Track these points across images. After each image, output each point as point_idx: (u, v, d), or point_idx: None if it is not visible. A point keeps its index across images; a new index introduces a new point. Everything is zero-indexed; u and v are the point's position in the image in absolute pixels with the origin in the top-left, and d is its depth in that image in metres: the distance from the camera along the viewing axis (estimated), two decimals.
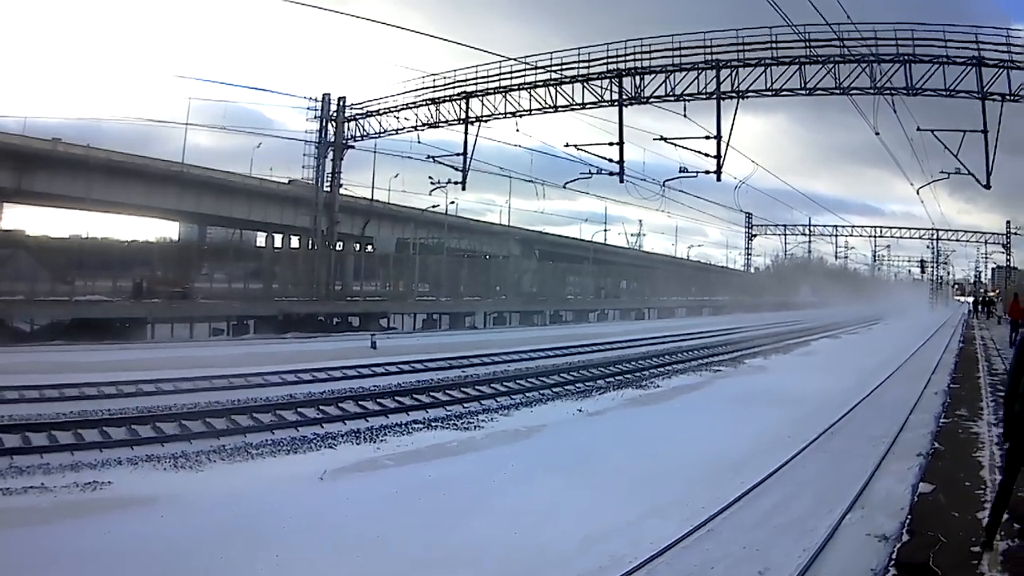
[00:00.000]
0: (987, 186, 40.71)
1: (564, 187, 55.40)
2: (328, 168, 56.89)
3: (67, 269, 43.46)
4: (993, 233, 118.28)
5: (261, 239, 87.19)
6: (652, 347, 47.44)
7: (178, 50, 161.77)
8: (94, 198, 63.75)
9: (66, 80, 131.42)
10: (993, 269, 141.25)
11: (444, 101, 51.26)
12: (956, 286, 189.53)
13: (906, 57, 40.42)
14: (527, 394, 27.85)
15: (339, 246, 65.22)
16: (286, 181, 71.23)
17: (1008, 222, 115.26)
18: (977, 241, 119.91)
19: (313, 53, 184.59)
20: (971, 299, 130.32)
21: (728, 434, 20.73)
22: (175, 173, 69.36)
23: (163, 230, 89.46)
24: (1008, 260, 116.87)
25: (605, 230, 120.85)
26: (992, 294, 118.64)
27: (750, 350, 47.77)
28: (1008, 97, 39.18)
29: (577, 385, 30.46)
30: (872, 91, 41.75)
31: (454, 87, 50.65)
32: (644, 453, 18.27)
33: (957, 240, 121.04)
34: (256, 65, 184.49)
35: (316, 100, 56.66)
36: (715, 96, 43.77)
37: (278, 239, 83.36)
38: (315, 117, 56.49)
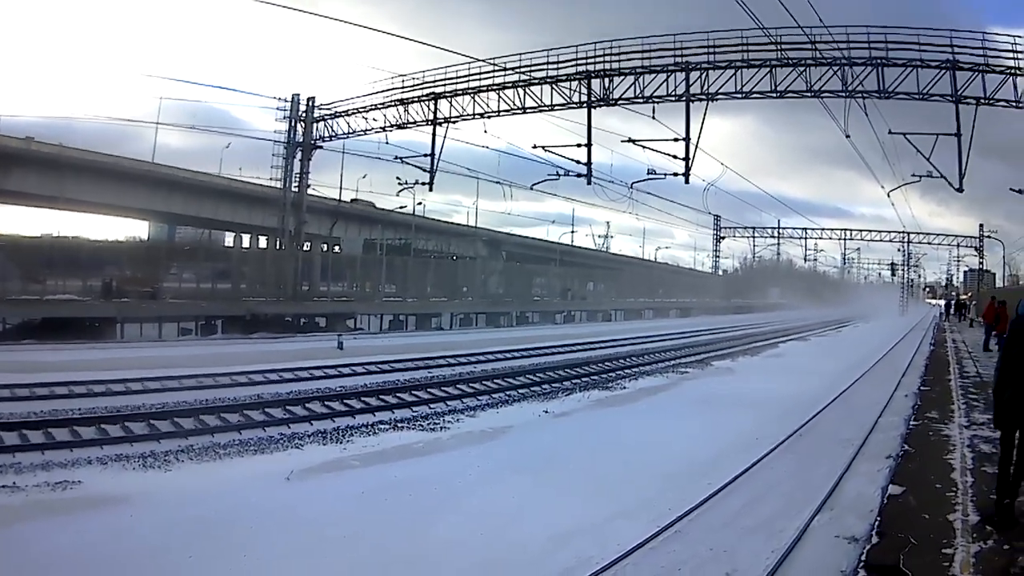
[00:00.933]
0: (960, 189, 40.83)
1: (531, 188, 55.96)
2: (296, 168, 57.05)
3: (38, 268, 43.48)
4: (965, 236, 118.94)
5: (230, 239, 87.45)
6: (618, 348, 47.67)
7: (149, 49, 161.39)
8: (67, 197, 63.38)
9: (39, 79, 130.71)
10: (965, 272, 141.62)
11: (412, 102, 51.32)
12: (927, 289, 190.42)
13: (879, 60, 40.57)
14: (493, 395, 27.90)
15: (306, 246, 65.59)
16: (254, 181, 71.17)
17: (981, 225, 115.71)
18: (949, 244, 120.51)
19: (282, 53, 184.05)
20: (943, 302, 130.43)
21: (695, 436, 20.83)
22: (146, 172, 69.18)
23: (133, 229, 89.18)
24: (981, 263, 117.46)
25: (572, 232, 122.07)
26: (964, 297, 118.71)
27: (717, 352, 47.97)
28: (983, 100, 39.35)
29: (543, 386, 30.52)
30: (844, 94, 41.93)
31: (423, 88, 50.76)
32: (610, 454, 18.42)
33: (928, 243, 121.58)
34: (225, 65, 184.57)
35: (285, 100, 56.69)
36: (684, 98, 43.91)
37: (246, 239, 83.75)
38: (284, 117, 56.52)
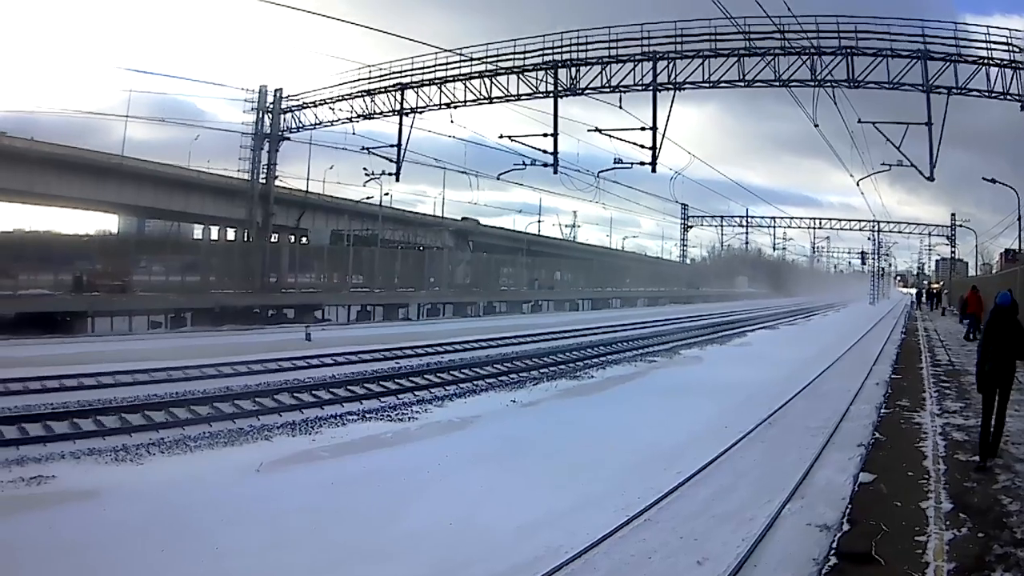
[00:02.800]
0: (931, 178, 40.97)
1: (498, 178, 55.94)
2: (264, 160, 57.11)
3: (10, 263, 43.53)
4: (936, 225, 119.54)
5: (199, 231, 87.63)
6: (586, 338, 47.63)
7: (113, 41, 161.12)
8: (37, 192, 63.87)
9: (4, 73, 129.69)
10: (937, 261, 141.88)
11: (379, 92, 51.52)
12: (899, 278, 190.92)
13: (849, 50, 40.71)
14: (460, 385, 27.81)
15: (274, 238, 65.46)
16: (222, 173, 71.12)
17: (953, 214, 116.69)
18: (920, 233, 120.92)
19: (248, 44, 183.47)
20: (914, 291, 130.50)
21: (663, 424, 20.85)
22: (115, 165, 69.02)
23: (103, 223, 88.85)
24: (953, 252, 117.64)
25: (539, 221, 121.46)
26: (936, 286, 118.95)
27: (685, 341, 47.75)
28: (954, 90, 39.49)
29: (511, 376, 30.48)
30: (812, 83, 42.00)
31: (389, 78, 50.93)
32: (578, 443, 18.52)
33: (899, 232, 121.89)
34: (190, 56, 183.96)
35: (252, 92, 56.82)
36: (651, 88, 44.00)
37: (215, 231, 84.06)
38: (252, 109, 56.59)
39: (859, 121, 42.36)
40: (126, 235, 79.50)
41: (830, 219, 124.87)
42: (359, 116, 52.91)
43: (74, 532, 11.73)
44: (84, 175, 66.77)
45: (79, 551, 11.06)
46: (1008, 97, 39.04)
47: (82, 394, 23.28)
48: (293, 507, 13.24)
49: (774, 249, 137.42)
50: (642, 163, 45.21)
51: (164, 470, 15.62)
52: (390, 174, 53.23)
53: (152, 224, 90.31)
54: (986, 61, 39.37)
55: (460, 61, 47.97)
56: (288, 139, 57.96)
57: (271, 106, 56.66)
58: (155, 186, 73.14)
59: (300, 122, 56.60)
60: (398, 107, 50.51)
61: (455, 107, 49.34)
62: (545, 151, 46.16)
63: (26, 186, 62.02)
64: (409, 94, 50.20)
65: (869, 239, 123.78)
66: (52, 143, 64.13)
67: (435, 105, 49.64)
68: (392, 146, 51.43)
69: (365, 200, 76.23)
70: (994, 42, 39.41)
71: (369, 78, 51.75)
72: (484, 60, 47.11)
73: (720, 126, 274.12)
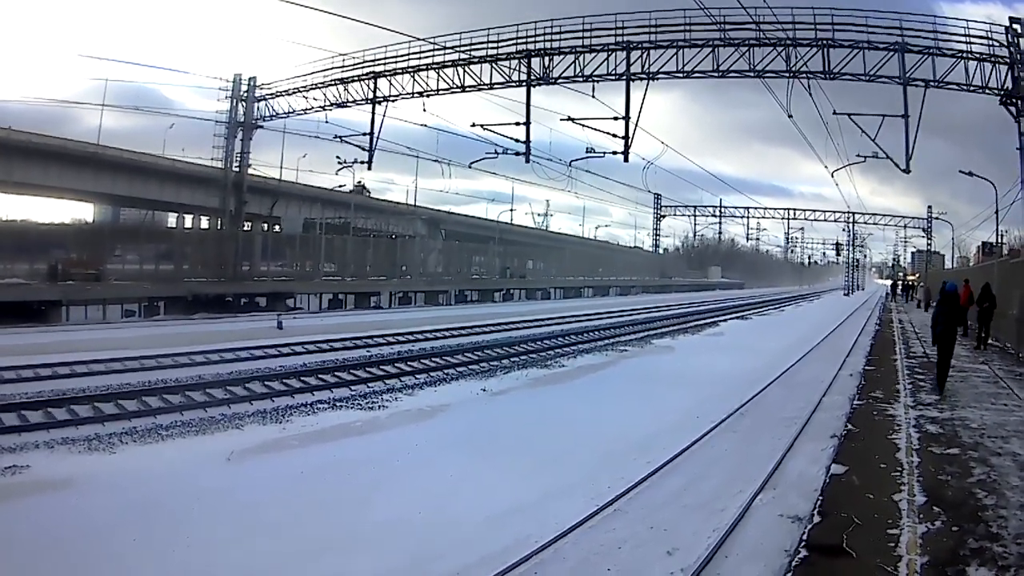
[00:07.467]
0: (906, 170, 41.07)
1: (469, 167, 56.15)
2: (237, 148, 57.04)
3: None
4: (913, 217, 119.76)
5: (173, 220, 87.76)
6: (557, 327, 47.92)
7: (81, 29, 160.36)
8: (14, 180, 63.90)
9: None
10: (913, 253, 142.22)
11: (352, 81, 51.68)
12: (874, 269, 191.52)
13: (825, 41, 40.86)
14: (431, 374, 27.81)
15: (247, 226, 65.53)
16: (196, 161, 71.14)
17: (930, 207, 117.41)
18: (896, 225, 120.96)
19: (220, 33, 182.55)
20: (889, 282, 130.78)
21: (634, 414, 21.08)
22: (91, 154, 69.15)
23: (78, 211, 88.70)
24: (929, 245, 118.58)
25: (511, 210, 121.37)
26: (912, 278, 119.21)
27: (657, 330, 48.01)
28: (932, 83, 39.63)
29: (481, 364, 30.49)
30: (787, 74, 42.07)
31: (362, 67, 51.08)
32: (549, 432, 18.66)
33: (875, 224, 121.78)
34: (159, 45, 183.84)
35: (226, 80, 56.75)
36: (625, 77, 44.14)
37: (188, 219, 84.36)
38: (226, 97, 56.49)
39: (834, 112, 42.39)
40: (101, 224, 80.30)
41: (804, 210, 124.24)
42: (332, 104, 53.07)
43: (48, 522, 11.78)
44: (62, 164, 66.96)
45: (53, 541, 11.11)
46: (987, 91, 39.10)
47: (56, 383, 23.25)
48: (264, 497, 13.35)
49: (747, 239, 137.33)
50: (614, 152, 45.48)
51: (137, 459, 15.64)
52: (362, 162, 53.43)
53: (127, 212, 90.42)
54: (965, 55, 39.43)
55: (433, 50, 48.16)
56: (261, 127, 58.06)
57: (245, 94, 56.69)
58: (130, 174, 73.49)
59: (273, 110, 56.75)
60: (371, 95, 50.70)
61: (427, 95, 49.48)
62: (517, 140, 46.31)
63: (4, 175, 62.01)
64: (382, 83, 50.41)
65: (844, 230, 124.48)
66: (29, 132, 64.21)
67: (408, 94, 49.82)
68: (364, 134, 51.69)
69: (338, 188, 77.86)
70: (973, 36, 39.50)
71: (343, 66, 51.96)
72: (457, 49, 47.27)
73: (688, 114, 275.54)
